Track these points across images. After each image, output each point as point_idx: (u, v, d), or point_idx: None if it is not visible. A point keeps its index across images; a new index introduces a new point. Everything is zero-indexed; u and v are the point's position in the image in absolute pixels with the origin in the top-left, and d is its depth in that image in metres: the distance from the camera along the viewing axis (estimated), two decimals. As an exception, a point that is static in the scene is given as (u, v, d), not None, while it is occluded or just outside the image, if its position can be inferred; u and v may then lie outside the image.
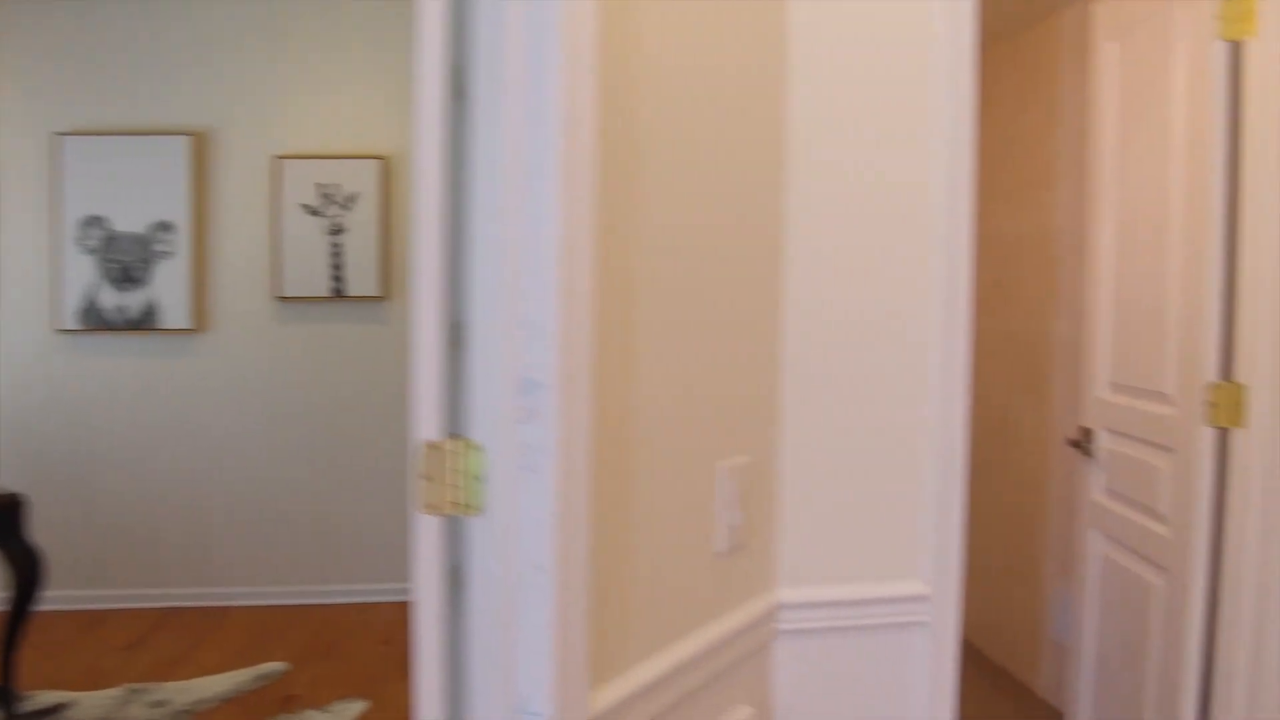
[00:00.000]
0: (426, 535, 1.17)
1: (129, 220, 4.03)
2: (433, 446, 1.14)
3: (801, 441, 1.64)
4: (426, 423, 1.15)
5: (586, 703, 1.15)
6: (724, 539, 1.45)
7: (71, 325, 4.02)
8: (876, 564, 1.69)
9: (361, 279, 4.09)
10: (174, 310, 4.06)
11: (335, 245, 4.08)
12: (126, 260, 4.02)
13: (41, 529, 3.55)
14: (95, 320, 4.03)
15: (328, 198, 4.07)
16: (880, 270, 1.65)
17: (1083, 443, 2.55)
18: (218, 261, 4.11)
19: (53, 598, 3.73)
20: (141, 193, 4.03)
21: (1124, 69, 2.40)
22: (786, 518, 1.64)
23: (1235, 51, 1.97)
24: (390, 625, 3.97)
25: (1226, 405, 1.96)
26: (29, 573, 2.90)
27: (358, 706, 3.22)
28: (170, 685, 3.38)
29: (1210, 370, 1.99)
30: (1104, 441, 2.47)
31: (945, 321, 1.66)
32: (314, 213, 4.07)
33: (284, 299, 4.10)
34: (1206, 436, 2.00)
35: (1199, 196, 2.02)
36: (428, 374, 1.14)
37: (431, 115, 1.11)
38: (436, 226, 1.13)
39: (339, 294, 4.10)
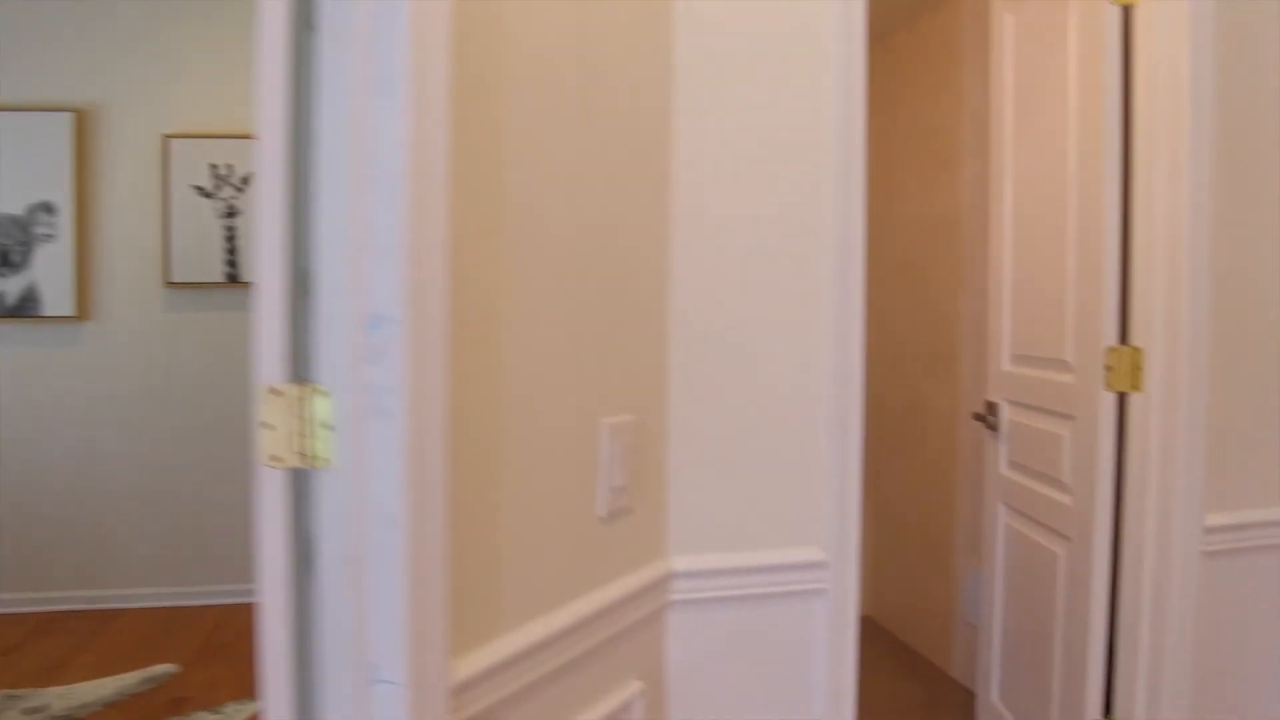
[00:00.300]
0: (270, 490, 1.06)
1: (7, 201, 3.79)
2: (275, 392, 1.04)
3: (692, 402, 1.57)
4: (269, 365, 1.04)
5: (446, 671, 1.05)
6: (607, 502, 1.37)
7: (-58, 313, 3.77)
8: (773, 530, 1.63)
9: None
10: (56, 297, 3.83)
11: (229, 229, 3.90)
12: (4, 244, 3.79)
13: (-96, 529, 3.30)
14: (-31, 308, 3.78)
15: (221, 179, 3.89)
16: (772, 228, 1.59)
17: (988, 417, 2.54)
18: (103, 245, 3.89)
19: (-81, 603, 3.48)
20: (20, 172, 3.80)
21: (1020, 39, 2.40)
22: (678, 482, 1.57)
23: (1126, 15, 1.96)
24: (291, 624, 3.78)
25: (1124, 369, 1.95)
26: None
27: (251, 707, 3.06)
28: (50, 690, 3.17)
29: (1108, 335, 1.97)
30: (1007, 414, 2.46)
31: (839, 285, 1.60)
32: (206, 194, 3.88)
33: (174, 285, 3.90)
34: (1105, 401, 1.98)
35: (1094, 162, 2.01)
36: (270, 311, 1.04)
37: (274, 45, 1.01)
38: (280, 153, 1.03)
39: (233, 280, 3.92)
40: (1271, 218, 1.99)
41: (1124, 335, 1.98)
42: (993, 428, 2.53)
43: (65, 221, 3.82)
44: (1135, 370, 1.94)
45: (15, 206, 3.80)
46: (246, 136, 3.89)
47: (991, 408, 2.53)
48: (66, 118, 3.80)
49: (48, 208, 3.81)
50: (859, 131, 1.60)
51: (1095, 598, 2.03)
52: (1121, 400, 1.99)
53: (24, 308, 3.81)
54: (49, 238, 3.81)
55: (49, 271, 3.82)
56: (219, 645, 3.58)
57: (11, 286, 3.80)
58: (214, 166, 3.88)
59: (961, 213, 3.25)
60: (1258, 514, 2.00)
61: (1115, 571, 2.03)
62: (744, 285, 1.58)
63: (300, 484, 1.08)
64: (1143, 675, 1.97)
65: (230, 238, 3.90)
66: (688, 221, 1.54)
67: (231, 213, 3.89)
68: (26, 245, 3.80)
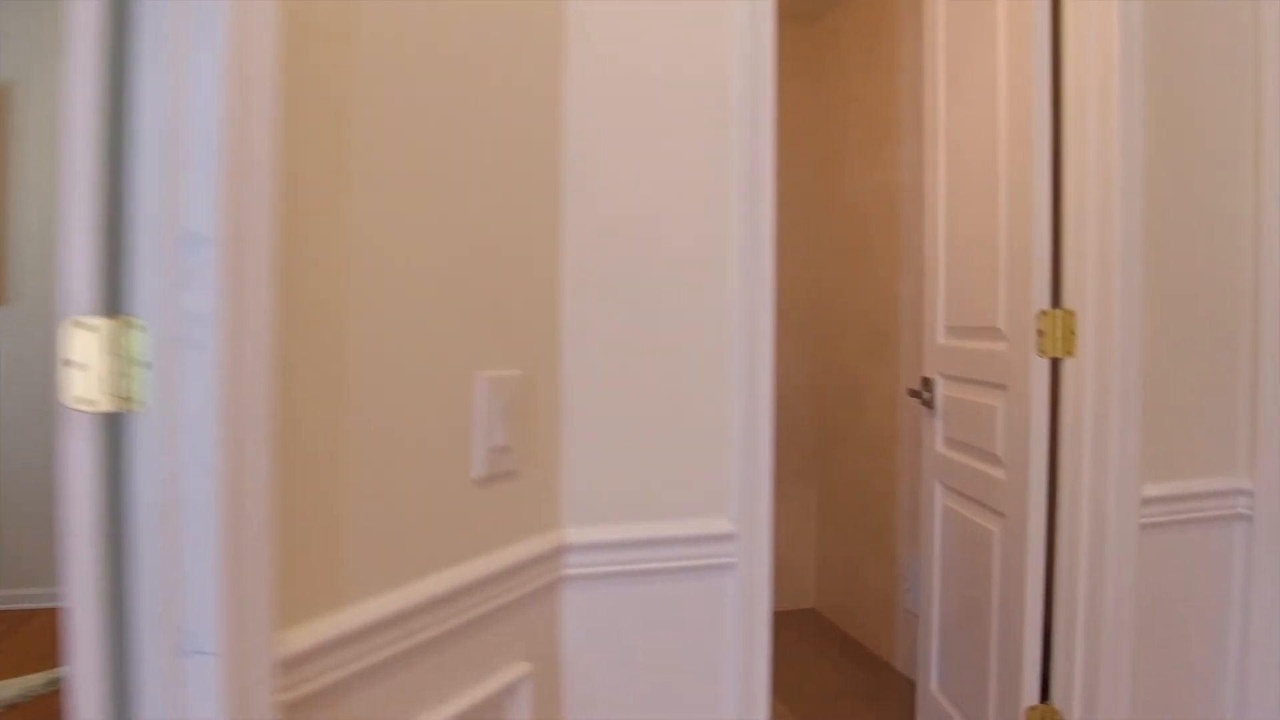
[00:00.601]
0: (78, 438, 0.92)
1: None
2: (84, 326, 0.90)
3: (591, 359, 1.45)
4: (76, 296, 0.91)
5: (272, 642, 0.92)
6: (484, 463, 1.24)
7: None
8: (678, 500, 1.51)
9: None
10: None
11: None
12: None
13: None
14: None
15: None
16: (673, 170, 1.48)
17: (923, 393, 2.44)
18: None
19: None
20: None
21: (951, 9, 2.31)
22: (574, 446, 1.45)
23: (1058, -36, 1.88)
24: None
25: (1056, 334, 1.86)
26: None
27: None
28: (-56, 696, 2.99)
29: (1039, 298, 1.88)
30: (943, 389, 2.37)
31: (746, 234, 1.50)
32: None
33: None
34: (1038, 368, 1.89)
35: (1023, 121, 1.92)
36: (77, 232, 0.90)
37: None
38: (92, 46, 0.90)
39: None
40: (1205, 178, 1.91)
41: (1056, 299, 1.89)
42: (929, 404, 2.43)
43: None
44: (1068, 334, 1.85)
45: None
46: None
47: (927, 383, 2.44)
48: (-29, 95, 3.60)
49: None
50: (767, 81, 1.49)
51: (1030, 576, 1.94)
52: (1055, 367, 1.90)
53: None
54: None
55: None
56: (131, 648, 3.40)
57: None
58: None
59: (901, 191, 3.16)
60: (1197, 484, 1.91)
61: (1051, 549, 1.94)
62: (643, 237, 1.46)
63: (114, 429, 0.95)
64: (1080, 658, 1.87)
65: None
66: (581, 146, 1.42)
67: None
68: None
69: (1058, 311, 1.86)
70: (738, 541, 1.52)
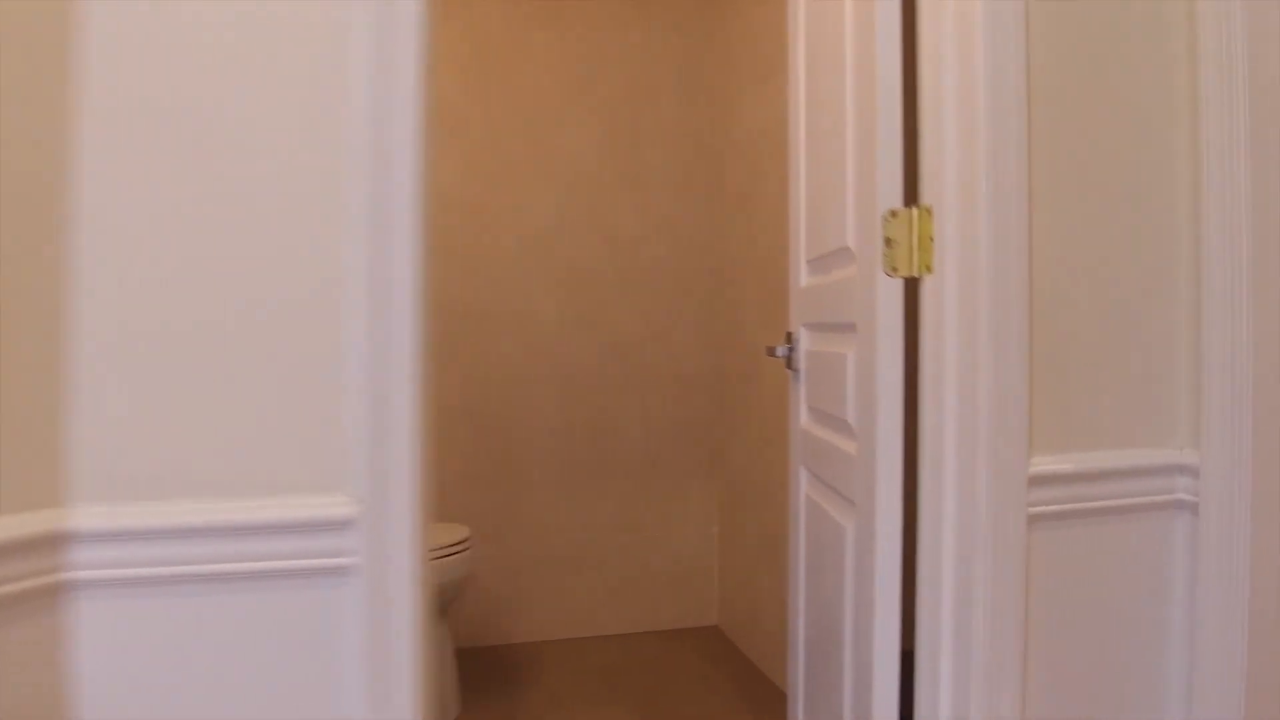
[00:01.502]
0: None
1: None
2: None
3: (108, 264, 0.91)
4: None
5: None
6: None
7: None
8: (262, 467, 0.97)
9: None
10: None
11: None
12: None
13: None
14: None
15: None
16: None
17: (789, 352, 1.89)
18: None
19: None
20: None
21: None
22: (93, 382, 0.91)
23: None
24: None
25: (908, 242, 1.32)
26: None
27: None
28: None
29: (888, 194, 1.34)
30: (805, 343, 1.82)
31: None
32: None
33: None
34: (886, 292, 1.35)
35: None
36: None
37: None
38: None
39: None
40: (1126, 33, 1.36)
41: (912, 194, 1.34)
42: (792, 365, 1.89)
43: None
44: (925, 241, 1.30)
45: None
46: None
47: (789, 338, 1.89)
48: None
49: None
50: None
51: (881, 584, 1.39)
52: (913, 292, 1.36)
53: None
54: None
55: None
56: None
57: None
58: None
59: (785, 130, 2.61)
60: (1115, 458, 1.36)
61: (912, 547, 1.39)
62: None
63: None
64: (946, 690, 1.32)
65: None
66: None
67: None
68: None
69: (911, 210, 1.31)
70: (360, 531, 0.97)
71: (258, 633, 0.97)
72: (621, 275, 3.15)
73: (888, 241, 1.33)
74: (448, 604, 2.52)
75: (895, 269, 1.33)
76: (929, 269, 1.30)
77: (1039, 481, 1.29)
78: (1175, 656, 1.37)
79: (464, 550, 2.52)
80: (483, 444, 3.06)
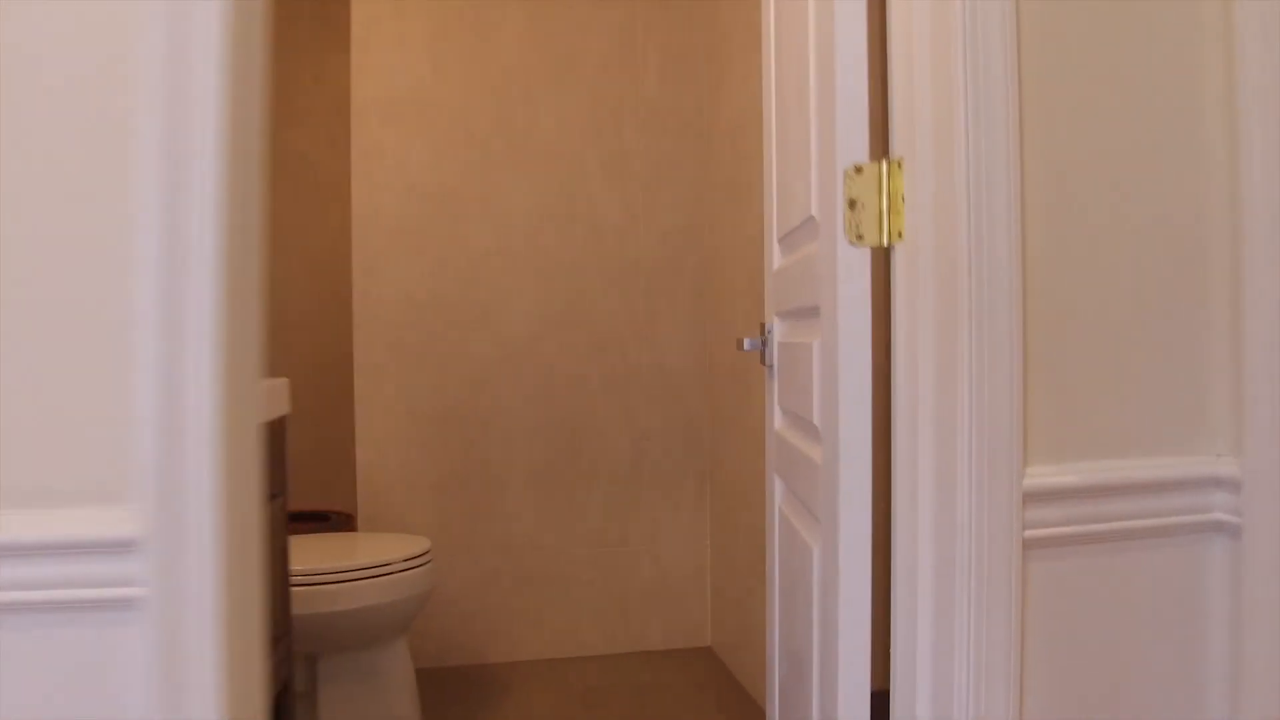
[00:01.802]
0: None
1: None
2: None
3: None
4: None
5: None
6: None
7: None
8: (24, 469, 0.75)
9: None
10: None
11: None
12: None
13: None
14: None
15: None
16: None
17: (761, 346, 1.66)
18: None
19: None
20: None
21: None
22: None
23: None
24: None
25: (879, 204, 1.08)
26: None
27: None
28: None
29: (851, 147, 1.10)
30: (778, 334, 1.59)
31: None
32: None
33: None
34: (849, 264, 1.11)
35: None
36: None
37: None
38: None
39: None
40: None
41: (882, 147, 1.11)
42: (766, 361, 1.65)
43: None
44: (896, 202, 1.06)
45: None
46: None
47: (762, 329, 1.65)
48: None
49: None
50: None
51: (846, 617, 1.15)
52: (884, 264, 1.12)
53: None
54: None
55: None
56: None
57: None
58: None
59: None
60: (1136, 469, 1.11)
61: (887, 574, 1.15)
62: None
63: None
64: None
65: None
66: None
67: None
68: None
69: (879, 165, 1.07)
70: (149, 555, 0.75)
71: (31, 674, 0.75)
72: (603, 267, 2.92)
73: (851, 204, 1.09)
74: (408, 621, 2.31)
75: (860, 236, 1.09)
76: (901, 235, 1.06)
77: (1037, 498, 1.05)
78: (1212, 718, 1.12)
79: (424, 564, 2.30)
80: (453, 449, 2.84)
